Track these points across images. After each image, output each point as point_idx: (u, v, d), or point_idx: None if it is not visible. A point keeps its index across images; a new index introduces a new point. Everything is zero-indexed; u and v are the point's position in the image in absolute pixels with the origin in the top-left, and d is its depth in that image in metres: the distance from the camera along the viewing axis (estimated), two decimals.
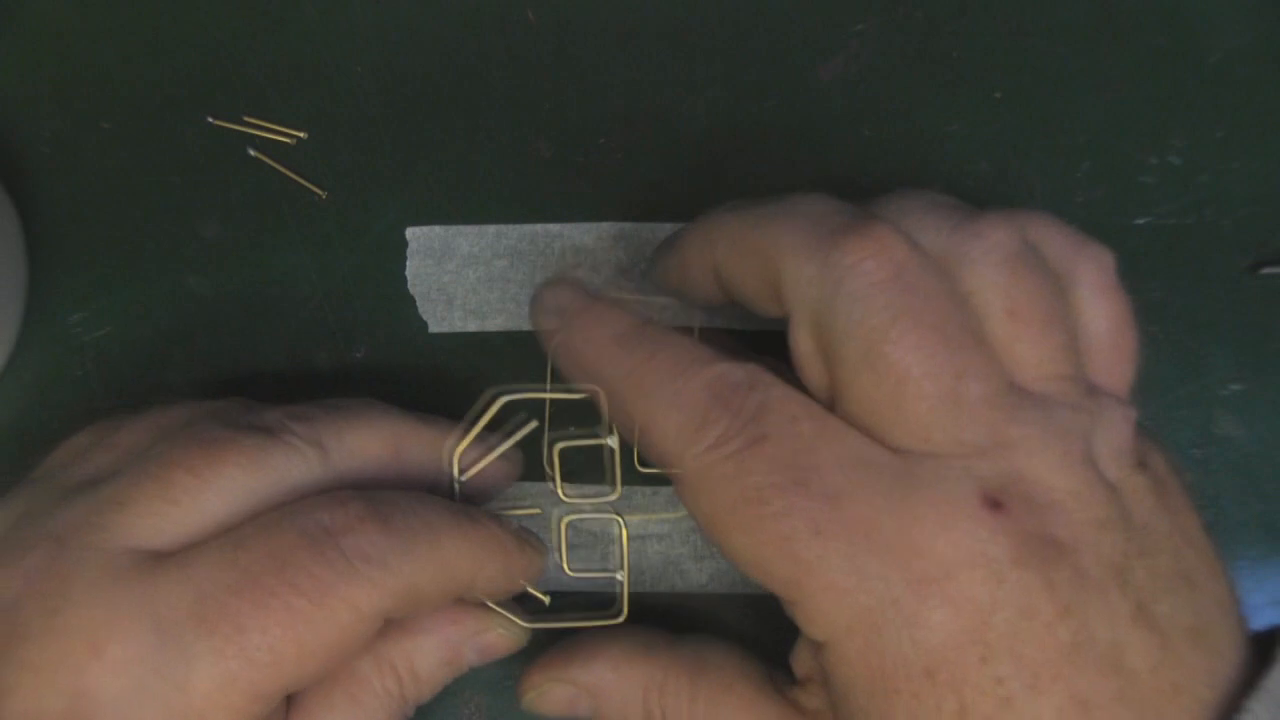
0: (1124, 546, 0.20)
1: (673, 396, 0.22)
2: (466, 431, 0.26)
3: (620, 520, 0.27)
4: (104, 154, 0.32)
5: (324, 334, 0.31)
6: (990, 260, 0.22)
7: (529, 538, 0.26)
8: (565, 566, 0.27)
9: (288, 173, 0.31)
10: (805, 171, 0.31)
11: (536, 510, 0.28)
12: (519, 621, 0.26)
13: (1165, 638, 0.20)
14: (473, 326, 0.31)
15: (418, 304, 0.31)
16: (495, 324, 0.31)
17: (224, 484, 0.22)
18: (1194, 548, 0.21)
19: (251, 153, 0.31)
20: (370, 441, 0.25)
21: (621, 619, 0.26)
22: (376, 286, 0.31)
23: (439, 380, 0.30)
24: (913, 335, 0.20)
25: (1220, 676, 0.20)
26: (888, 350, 0.20)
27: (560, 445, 0.26)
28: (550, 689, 0.26)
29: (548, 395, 0.26)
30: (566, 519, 0.26)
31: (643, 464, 0.30)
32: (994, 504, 0.20)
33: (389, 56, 0.32)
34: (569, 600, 0.27)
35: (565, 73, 0.32)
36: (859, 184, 0.31)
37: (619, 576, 0.27)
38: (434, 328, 0.31)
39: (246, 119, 0.31)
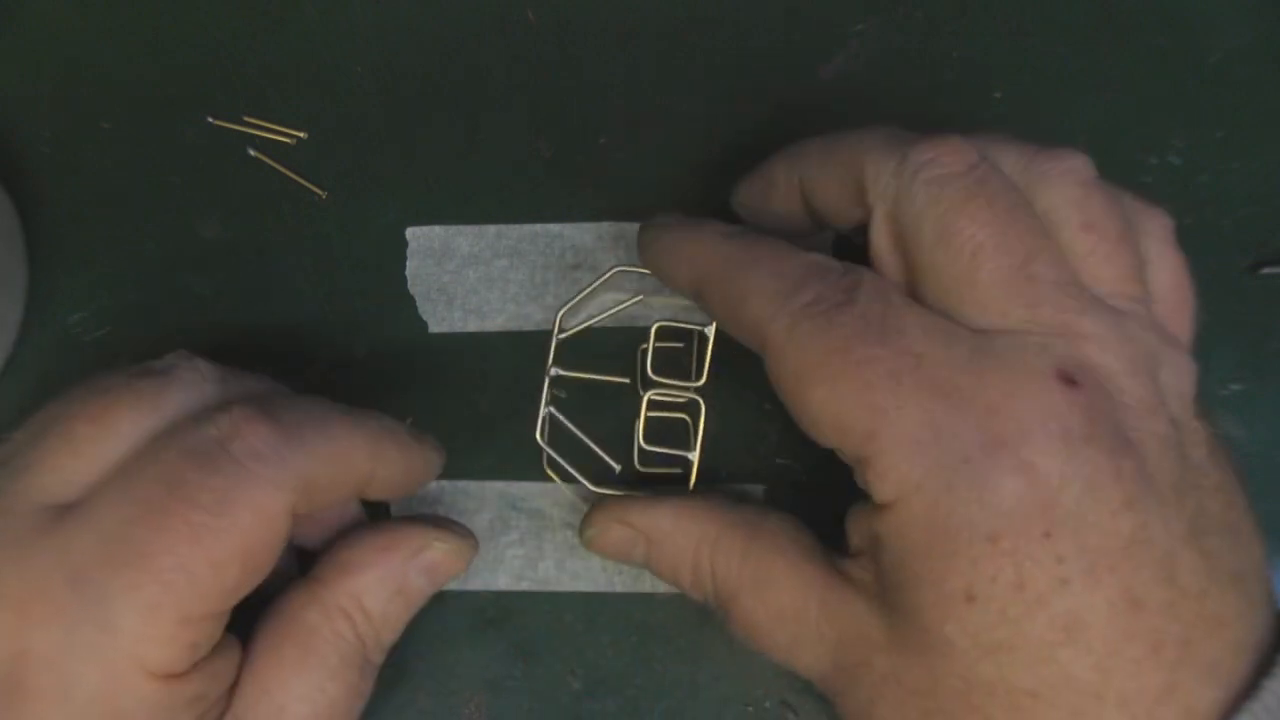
0: (1181, 472, 0.20)
1: (773, 268, 0.23)
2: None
3: (700, 400, 0.27)
4: (104, 154, 0.32)
5: (324, 334, 0.31)
6: (1067, 179, 0.22)
7: (424, 435, 0.25)
8: (641, 441, 0.28)
9: (288, 173, 0.31)
10: None
11: (625, 379, 0.29)
12: (460, 535, 0.25)
13: (1213, 569, 0.20)
14: (473, 326, 0.31)
15: (418, 304, 0.31)
16: (495, 324, 0.31)
17: (123, 428, 0.22)
18: (1238, 509, 0.21)
19: (251, 153, 0.31)
20: (269, 383, 0.25)
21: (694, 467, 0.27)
22: (376, 286, 0.31)
23: (439, 380, 0.30)
24: (986, 212, 0.21)
25: (1258, 627, 0.20)
26: (962, 225, 0.21)
27: (657, 326, 0.28)
28: (609, 529, 0.26)
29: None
30: (649, 395, 0.28)
31: (643, 464, 0.30)
32: (1069, 380, 0.20)
33: (389, 56, 0.32)
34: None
35: (565, 73, 0.32)
36: None
37: (691, 456, 0.27)
38: (434, 328, 0.31)
39: (246, 119, 0.31)
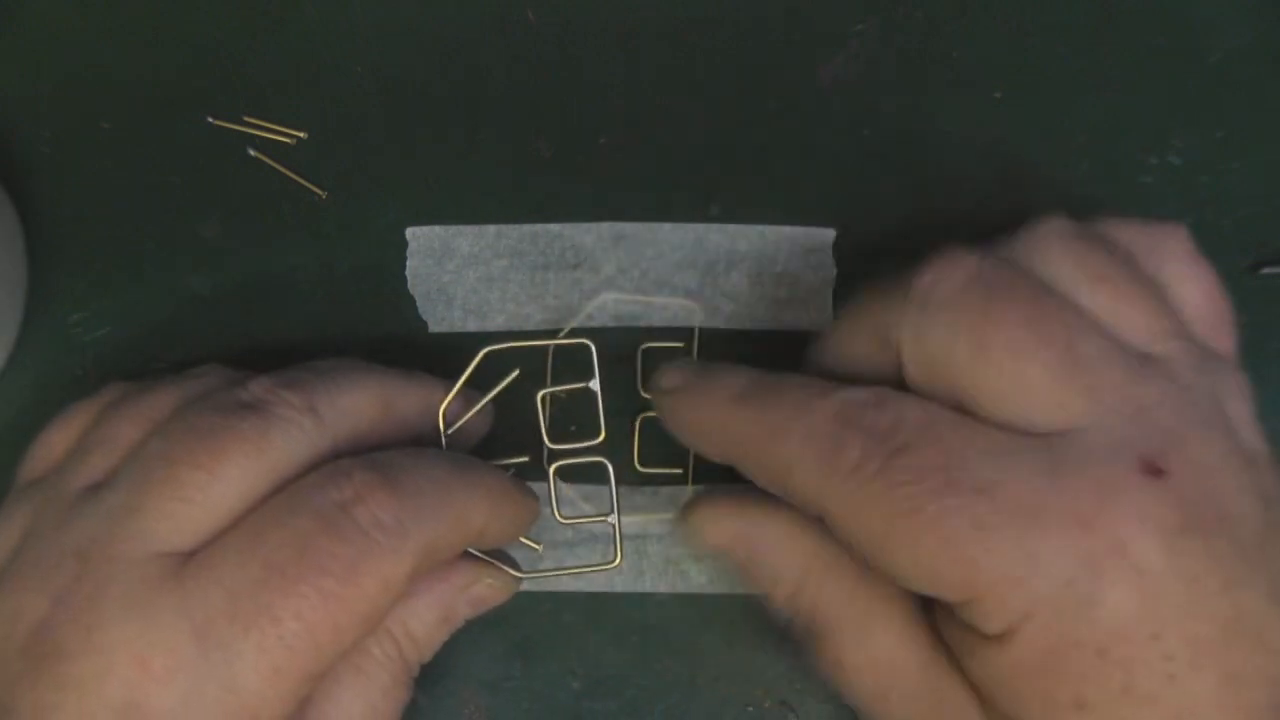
0: (1264, 518, 0.20)
1: (804, 433, 0.22)
2: (452, 386, 0.26)
3: (608, 464, 0.26)
4: (104, 154, 0.32)
5: (324, 334, 0.31)
6: (1055, 241, 0.22)
7: (525, 485, 0.26)
8: (556, 514, 0.26)
9: (288, 173, 0.31)
10: (805, 172, 0.31)
11: (525, 458, 0.28)
12: (509, 570, 0.26)
13: None
14: (473, 326, 0.31)
15: (418, 304, 0.31)
16: (495, 324, 0.31)
17: (231, 473, 0.22)
18: None
19: (251, 153, 0.31)
20: (361, 401, 0.25)
21: (617, 563, 0.26)
22: (376, 286, 0.31)
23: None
24: (1012, 313, 0.21)
25: None
26: (992, 333, 0.20)
27: (544, 392, 0.26)
28: (721, 522, 0.25)
29: (533, 345, 0.26)
30: (555, 466, 0.26)
31: (643, 463, 0.30)
32: (1154, 469, 0.19)
33: (389, 56, 0.32)
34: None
35: (565, 73, 0.32)
36: (859, 184, 0.31)
37: (611, 520, 0.26)
38: (434, 328, 0.31)
39: (246, 119, 0.31)
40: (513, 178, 0.31)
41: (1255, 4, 0.32)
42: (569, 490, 0.30)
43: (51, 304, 0.31)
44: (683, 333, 0.31)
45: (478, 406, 0.26)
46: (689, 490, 0.30)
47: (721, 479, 0.30)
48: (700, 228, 0.31)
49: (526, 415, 0.27)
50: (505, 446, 0.28)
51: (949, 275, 0.22)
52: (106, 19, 0.32)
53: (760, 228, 0.31)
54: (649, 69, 0.32)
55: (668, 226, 0.31)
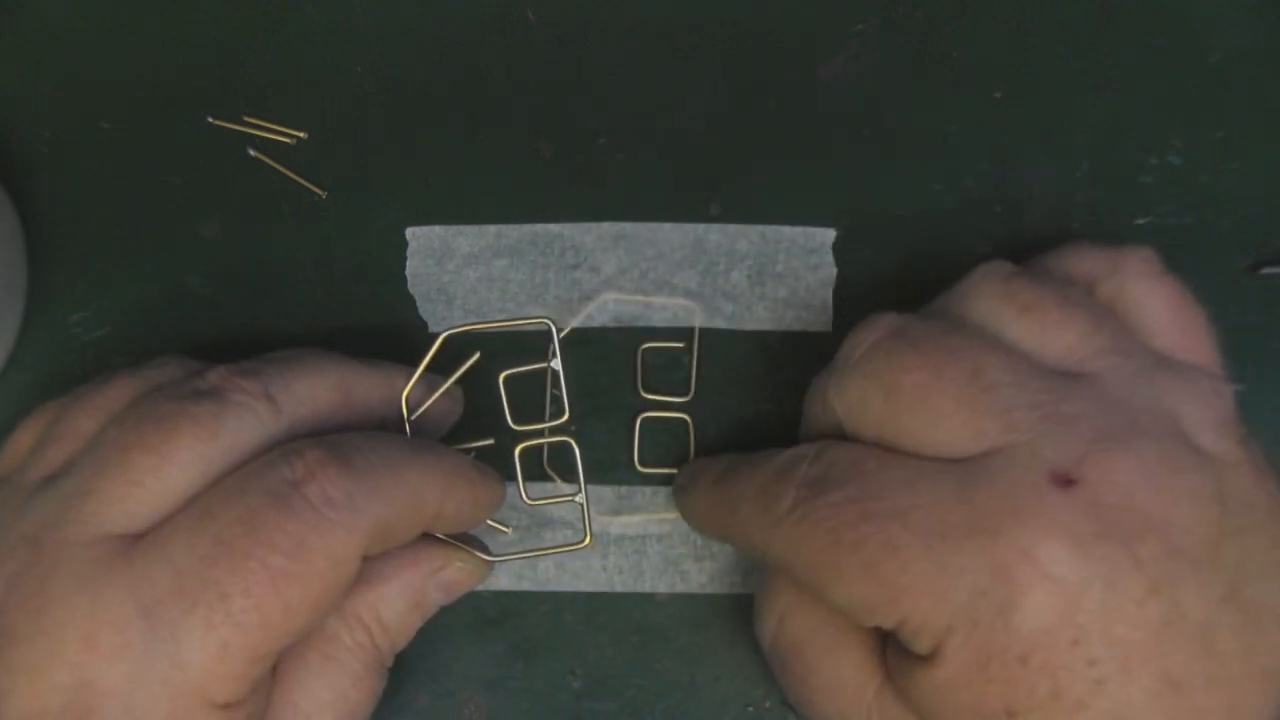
0: (1218, 522, 0.20)
1: (752, 493, 0.24)
2: (413, 372, 0.26)
3: (574, 444, 0.26)
4: (104, 154, 0.32)
5: (324, 334, 0.31)
6: (986, 283, 0.24)
7: (486, 468, 0.26)
8: (523, 495, 0.26)
9: (288, 173, 0.31)
10: (805, 172, 0.31)
11: (490, 440, 0.28)
12: (479, 554, 0.26)
13: (1257, 621, 0.19)
14: None
15: (418, 304, 0.31)
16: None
17: (184, 456, 0.22)
18: None
19: (251, 153, 0.31)
20: (319, 387, 0.25)
21: (587, 542, 0.26)
22: (376, 286, 0.31)
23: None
24: (914, 356, 0.22)
25: None
26: (899, 378, 0.22)
27: (506, 374, 0.26)
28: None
29: (493, 326, 0.26)
30: (520, 447, 0.26)
31: (643, 463, 0.30)
32: (1064, 480, 0.20)
33: (389, 56, 0.32)
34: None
35: (565, 73, 0.32)
36: (859, 183, 0.31)
37: (579, 499, 0.26)
38: (434, 328, 0.31)
39: (246, 119, 0.31)
40: (513, 178, 0.31)
41: (1255, 4, 0.32)
42: (569, 490, 0.30)
43: (51, 304, 0.31)
44: (683, 333, 0.31)
45: (440, 391, 0.26)
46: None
47: None
48: (700, 228, 0.31)
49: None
50: (474, 430, 0.28)
51: (867, 334, 0.23)
52: (106, 19, 0.32)
53: (760, 228, 0.31)
54: (649, 69, 0.32)
55: (668, 226, 0.31)
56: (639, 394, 0.30)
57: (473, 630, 0.29)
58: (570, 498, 0.26)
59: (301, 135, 0.31)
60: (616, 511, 0.30)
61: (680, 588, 0.29)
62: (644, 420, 0.30)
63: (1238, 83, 0.31)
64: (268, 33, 0.32)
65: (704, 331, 0.30)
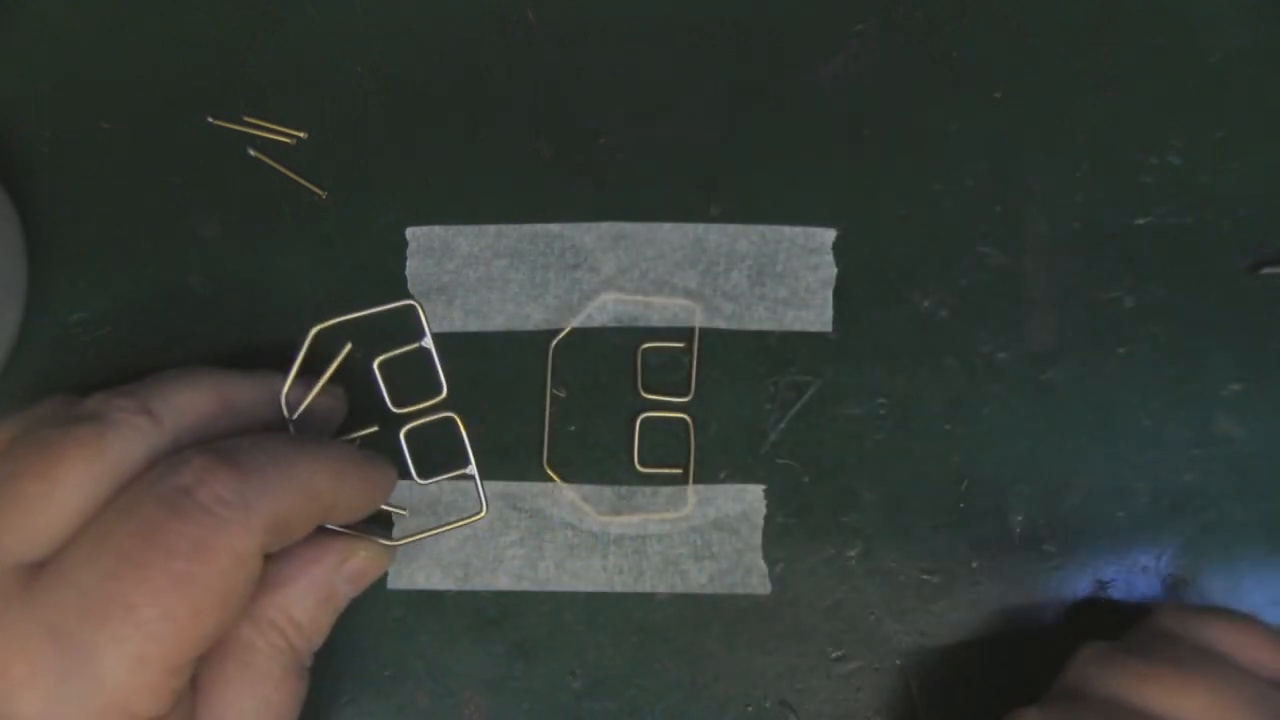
0: None
1: None
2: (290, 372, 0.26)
3: (457, 419, 0.27)
4: (104, 154, 0.32)
5: (324, 334, 0.31)
6: (1094, 666, 0.25)
7: (373, 454, 0.26)
8: (415, 475, 0.27)
9: (288, 173, 0.31)
10: (805, 172, 0.31)
11: (374, 429, 0.28)
12: (380, 540, 0.26)
13: None
14: (473, 326, 0.31)
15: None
16: (495, 324, 0.31)
17: (72, 478, 0.22)
18: None
19: (251, 153, 0.31)
20: (197, 398, 0.25)
21: (483, 514, 0.27)
22: (376, 286, 0.31)
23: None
24: None
25: None
26: None
27: (379, 360, 0.26)
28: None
29: (362, 316, 0.27)
30: (405, 429, 0.27)
31: (643, 463, 0.30)
32: None
33: (389, 56, 0.32)
34: None
35: (565, 73, 0.32)
36: (859, 184, 0.31)
37: (470, 472, 0.27)
38: (434, 328, 0.31)
39: (246, 119, 0.31)
40: (513, 178, 0.31)
41: (1255, 4, 0.32)
42: (569, 490, 0.30)
43: (51, 304, 0.31)
44: (683, 333, 0.31)
45: (316, 388, 0.27)
46: (689, 490, 0.30)
47: (720, 480, 0.30)
48: (700, 228, 0.31)
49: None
50: (362, 421, 0.29)
51: None
52: (106, 19, 0.32)
53: (760, 228, 0.31)
54: (649, 69, 0.32)
55: (668, 226, 0.31)
56: (639, 394, 0.30)
57: (473, 630, 0.29)
58: (461, 473, 0.27)
59: (301, 135, 0.31)
60: (616, 511, 0.30)
61: (680, 588, 0.29)
62: (644, 420, 0.30)
63: (1238, 83, 0.31)
64: (268, 33, 0.32)
65: (704, 331, 0.30)
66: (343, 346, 0.27)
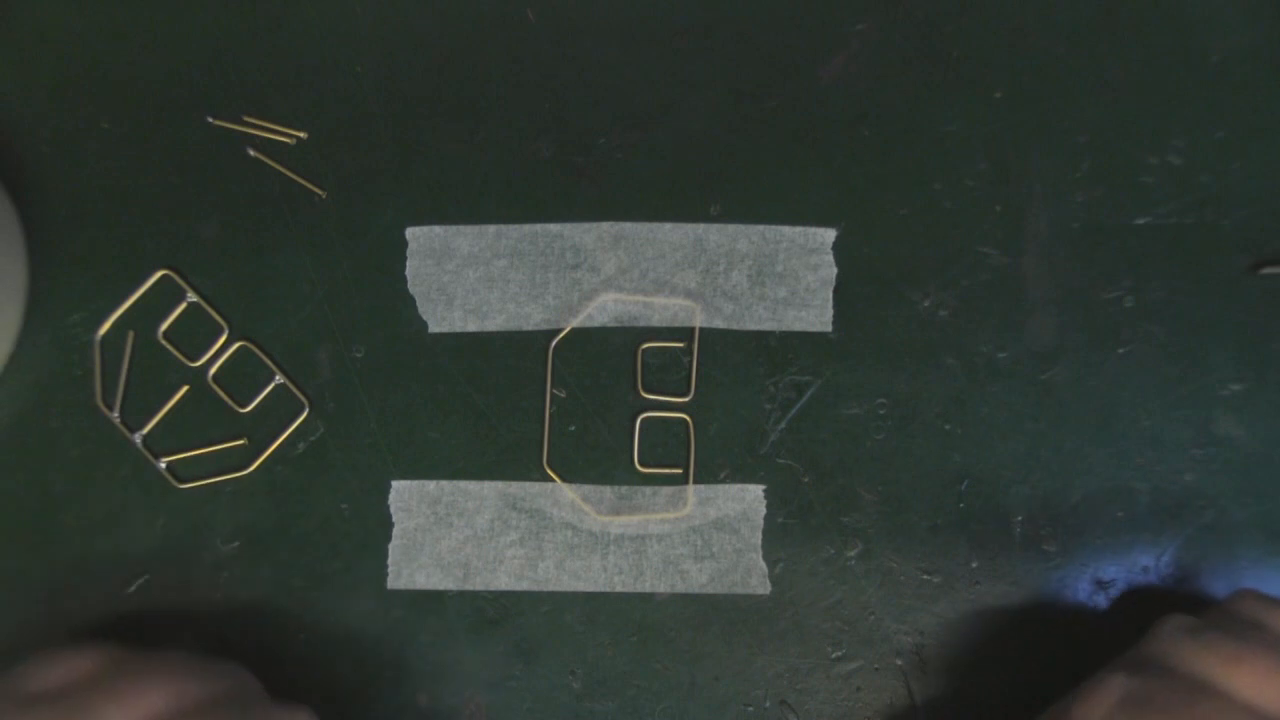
0: None
1: None
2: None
3: (249, 343, 0.30)
4: (104, 154, 0.32)
5: (324, 334, 0.31)
6: (1179, 641, 0.25)
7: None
8: (238, 409, 0.30)
9: (288, 173, 0.31)
10: (805, 172, 0.31)
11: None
12: None
13: None
14: (473, 326, 0.31)
15: (418, 304, 0.31)
16: (495, 324, 0.31)
17: None
18: None
19: (251, 153, 0.31)
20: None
21: (305, 414, 0.30)
22: (376, 286, 0.31)
23: (439, 380, 0.30)
24: None
25: None
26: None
27: (163, 329, 0.29)
28: None
29: (131, 303, 0.30)
30: (211, 374, 0.30)
31: (643, 463, 0.30)
32: None
33: (389, 56, 0.32)
34: None
35: (565, 73, 0.32)
36: (859, 184, 0.31)
37: (278, 380, 0.30)
38: (434, 328, 0.31)
39: (246, 119, 0.31)
40: (513, 178, 0.31)
41: (1255, 4, 0.32)
42: (569, 490, 0.30)
43: (51, 304, 0.31)
44: (683, 333, 0.31)
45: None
46: (689, 490, 0.30)
47: (720, 480, 0.30)
48: (700, 228, 0.31)
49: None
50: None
51: (1101, 701, 0.24)
52: (106, 19, 0.32)
53: (760, 228, 0.31)
54: (649, 69, 0.32)
55: (668, 226, 0.31)
56: (639, 394, 0.30)
57: (473, 630, 0.29)
58: (273, 385, 0.30)
59: (301, 135, 0.31)
60: (616, 511, 0.30)
61: (680, 588, 0.29)
62: (644, 420, 0.30)
63: (1238, 83, 0.31)
64: (268, 33, 0.32)
65: (704, 331, 0.30)
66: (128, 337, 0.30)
